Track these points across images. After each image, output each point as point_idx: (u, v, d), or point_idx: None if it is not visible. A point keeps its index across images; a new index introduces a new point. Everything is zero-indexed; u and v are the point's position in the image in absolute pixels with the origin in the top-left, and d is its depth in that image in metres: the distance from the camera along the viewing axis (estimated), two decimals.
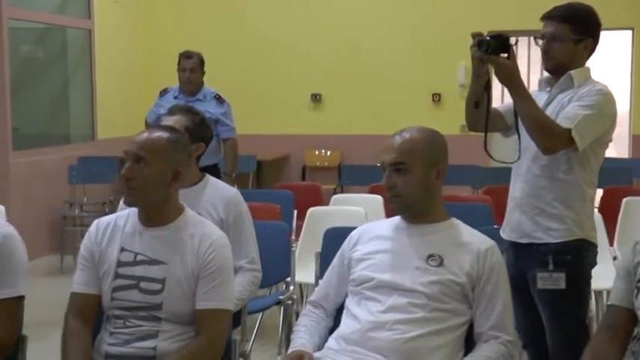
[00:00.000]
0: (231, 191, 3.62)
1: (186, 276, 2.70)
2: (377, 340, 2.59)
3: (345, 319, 2.75)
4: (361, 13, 9.78)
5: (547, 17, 3.24)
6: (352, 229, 4.51)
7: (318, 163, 9.95)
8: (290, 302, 4.41)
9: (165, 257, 2.72)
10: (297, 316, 4.59)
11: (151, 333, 2.69)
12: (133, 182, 2.69)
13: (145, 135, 2.77)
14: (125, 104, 9.66)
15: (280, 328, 5.09)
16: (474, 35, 3.08)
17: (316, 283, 4.41)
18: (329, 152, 9.94)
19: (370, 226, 2.94)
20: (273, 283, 4.55)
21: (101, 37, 9.11)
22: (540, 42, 3.24)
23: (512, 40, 3.06)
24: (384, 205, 5.73)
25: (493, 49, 3.02)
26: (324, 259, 4.31)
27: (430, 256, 2.69)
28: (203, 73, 6.54)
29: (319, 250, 4.44)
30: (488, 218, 5.10)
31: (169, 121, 3.52)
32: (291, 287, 4.52)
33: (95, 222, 2.88)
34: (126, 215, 2.84)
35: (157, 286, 2.70)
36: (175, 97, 6.49)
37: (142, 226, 2.78)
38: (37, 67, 8.98)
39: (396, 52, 9.66)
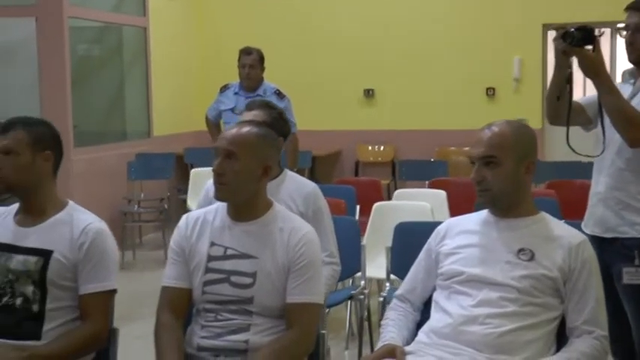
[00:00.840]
0: (310, 185, 3.64)
1: (276, 270, 2.72)
2: (469, 334, 2.59)
3: (435, 313, 2.75)
4: (414, 7, 9.74)
5: (631, 8, 3.20)
6: (422, 224, 4.57)
7: (371, 159, 9.95)
8: (362, 297, 4.42)
9: (256, 251, 2.75)
10: (369, 311, 4.64)
11: (242, 326, 2.72)
12: (224, 177, 2.72)
13: (235, 130, 2.80)
14: (180, 101, 9.75)
15: (347, 323, 5.11)
16: (557, 29, 3.05)
17: (387, 278, 4.42)
18: (382, 147, 9.92)
19: (457, 220, 2.93)
20: (344, 278, 4.57)
21: (156, 34, 9.19)
22: (624, 33, 3.20)
23: (597, 31, 3.03)
24: (448, 200, 5.72)
25: (577, 41, 2.98)
26: (396, 254, 4.33)
27: (521, 250, 2.68)
28: (263, 69, 6.58)
29: (388, 244, 4.45)
30: (556, 213, 5.06)
31: (248, 116, 3.55)
32: (362, 282, 4.53)
33: (184, 216, 2.91)
34: (214, 210, 2.87)
35: (248, 280, 2.72)
36: (235, 94, 6.54)
37: (231, 220, 2.80)
38: (94, 65, 9.10)
39: (449, 45, 9.62)
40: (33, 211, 2.90)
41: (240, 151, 2.73)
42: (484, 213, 2.83)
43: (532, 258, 2.65)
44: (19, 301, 2.81)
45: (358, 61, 9.86)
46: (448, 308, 2.69)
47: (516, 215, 2.74)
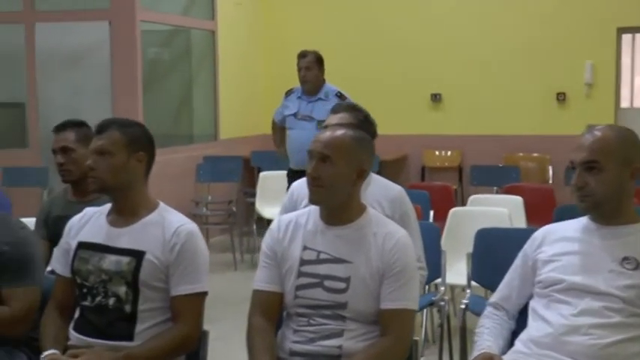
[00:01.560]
0: (397, 188, 3.60)
1: (371, 275, 2.68)
2: (572, 344, 2.52)
3: (533, 322, 2.68)
4: (482, 11, 9.63)
5: None
6: (504, 230, 4.50)
7: (437, 164, 9.85)
8: (442, 303, 4.36)
9: (349, 256, 2.71)
10: (448, 318, 4.57)
11: (336, 332, 2.68)
12: (319, 181, 2.69)
13: (329, 133, 2.76)
14: (246, 105, 9.77)
15: (423, 329, 5.05)
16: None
17: (468, 285, 4.36)
18: (449, 152, 9.82)
19: (554, 226, 2.86)
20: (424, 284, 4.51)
21: (224, 38, 9.23)
22: None
23: None
24: (524, 207, 5.63)
25: None
26: (477, 261, 4.27)
27: (625, 258, 2.60)
28: (322, 71, 6.52)
29: (466, 251, 4.39)
30: None
31: (334, 119, 3.51)
32: (442, 288, 4.47)
33: (276, 220, 2.89)
34: (307, 213, 2.84)
35: (342, 285, 2.68)
36: (298, 98, 6.53)
37: (324, 224, 2.77)
38: (162, 68, 9.17)
39: (519, 49, 9.47)
40: (125, 212, 2.90)
41: (336, 154, 2.69)
42: (584, 220, 2.75)
43: (637, 267, 2.57)
44: (111, 301, 2.82)
45: (425, 65, 9.78)
46: (548, 317, 2.62)
47: (619, 222, 2.66)
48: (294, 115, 6.51)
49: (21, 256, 3.00)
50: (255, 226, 8.00)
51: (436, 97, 9.83)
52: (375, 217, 2.81)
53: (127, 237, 2.85)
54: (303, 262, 2.74)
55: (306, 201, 3.46)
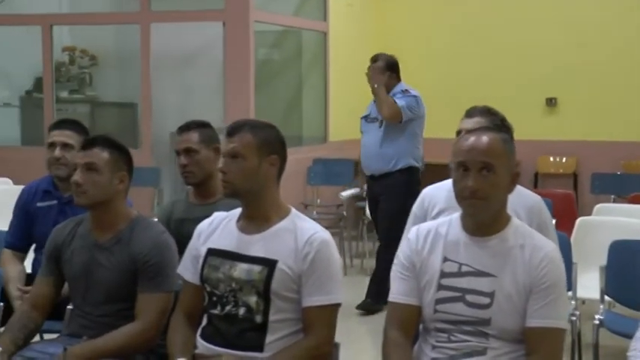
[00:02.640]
0: (534, 197, 3.41)
1: (517, 291, 2.51)
2: None
3: None
4: (602, 12, 9.28)
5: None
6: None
7: (552, 170, 9.53)
8: (574, 318, 4.13)
9: (494, 269, 2.54)
10: (579, 333, 4.35)
11: (478, 349, 2.53)
12: (481, 192, 2.51)
13: (475, 139, 2.57)
14: (356, 107, 9.60)
15: None
16: None
17: (602, 299, 4.14)
18: (564, 159, 9.50)
19: None
20: None
21: (335, 39, 9.13)
22: None
23: None
24: None
25: None
26: (611, 274, 4.05)
27: None
28: (393, 75, 6.29)
29: (598, 263, 4.18)
30: None
31: (468, 123, 3.36)
32: (573, 302, 4.24)
33: (414, 229, 2.74)
34: (447, 223, 2.69)
35: (485, 300, 2.52)
36: (374, 101, 6.33)
37: (466, 235, 2.61)
38: (273, 69, 9.13)
39: (636, 53, 9.09)
40: (256, 218, 2.80)
41: (497, 162, 2.52)
42: None
43: None
44: (242, 311, 2.73)
45: (540, 69, 9.47)
46: None
47: None
48: (366, 117, 6.36)
49: (160, 262, 2.96)
50: (364, 230, 7.86)
51: (551, 102, 9.52)
52: (521, 227, 2.64)
53: (258, 245, 2.76)
54: (443, 275, 2.59)
55: (438, 209, 3.32)
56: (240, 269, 2.73)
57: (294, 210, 2.86)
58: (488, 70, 9.62)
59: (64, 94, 8.89)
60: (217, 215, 2.94)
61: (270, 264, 2.71)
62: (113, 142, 3.08)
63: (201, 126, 3.81)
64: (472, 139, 2.57)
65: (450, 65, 9.74)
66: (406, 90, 6.29)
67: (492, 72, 9.59)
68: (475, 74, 9.57)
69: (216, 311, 2.77)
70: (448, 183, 3.35)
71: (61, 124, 3.96)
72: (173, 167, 6.39)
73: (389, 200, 6.12)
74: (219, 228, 2.88)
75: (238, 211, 2.89)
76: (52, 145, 3.89)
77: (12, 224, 4.06)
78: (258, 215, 2.80)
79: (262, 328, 2.71)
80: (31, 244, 4.03)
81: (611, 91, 9.22)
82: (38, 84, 9.03)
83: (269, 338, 2.70)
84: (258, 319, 2.71)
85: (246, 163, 2.75)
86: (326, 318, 2.72)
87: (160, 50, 8.03)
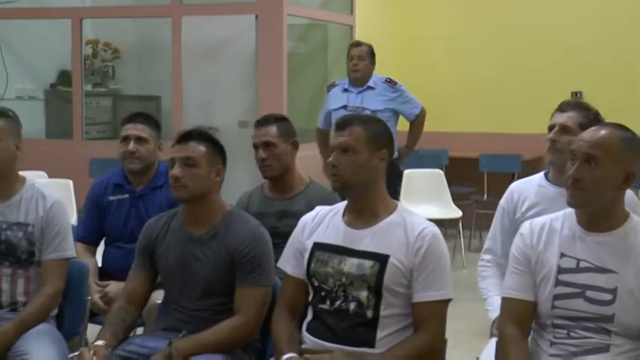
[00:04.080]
0: (628, 193, 3.38)
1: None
2: None
3: None
4: (624, 5, 9.25)
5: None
6: None
7: None
8: None
9: (615, 266, 2.53)
10: None
11: (600, 346, 2.51)
12: (582, 183, 2.51)
13: (592, 132, 2.56)
14: None
15: None
16: None
17: None
18: None
19: None
20: None
21: (360, 33, 9.09)
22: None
23: None
24: None
25: None
26: None
27: None
28: (373, 63, 6.36)
29: None
30: None
31: (561, 118, 3.33)
32: None
33: (527, 224, 2.73)
34: (561, 217, 2.67)
35: (607, 297, 2.51)
36: (345, 90, 6.38)
37: (582, 230, 2.60)
38: (299, 63, 9.08)
39: None
40: (365, 212, 2.79)
41: (603, 155, 2.50)
42: None
43: None
44: (352, 305, 2.71)
45: (565, 62, 9.41)
46: None
47: None
48: (344, 107, 6.28)
49: (258, 255, 2.94)
50: None
51: (577, 96, 9.49)
52: None
53: (368, 239, 2.74)
54: (560, 270, 2.58)
55: (528, 203, 3.29)
56: (351, 264, 2.72)
57: (400, 204, 2.84)
58: (511, 63, 9.57)
59: (88, 87, 8.83)
60: (321, 209, 2.93)
61: (381, 259, 2.69)
62: (208, 136, 3.06)
63: (280, 120, 3.80)
64: (590, 130, 2.57)
65: (474, 58, 9.69)
66: (390, 80, 6.29)
67: (516, 65, 9.54)
68: (498, 67, 9.52)
69: (324, 306, 2.75)
70: (537, 177, 3.35)
71: (134, 118, 3.94)
72: None
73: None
74: (324, 222, 2.86)
75: (342, 204, 2.88)
76: (125, 139, 3.87)
77: (82, 218, 4.04)
78: (366, 209, 2.78)
79: (373, 324, 2.69)
80: (101, 238, 4.01)
81: (636, 85, 9.21)
82: (62, 77, 8.98)
83: (380, 334, 2.69)
84: (369, 314, 2.69)
85: (357, 157, 2.73)
86: (438, 314, 2.71)
87: (187, 43, 7.98)
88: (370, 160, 2.74)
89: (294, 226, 3.47)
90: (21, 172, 3.38)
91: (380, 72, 9.48)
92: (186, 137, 3.02)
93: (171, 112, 8.37)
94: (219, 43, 8.54)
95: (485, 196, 8.66)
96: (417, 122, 6.45)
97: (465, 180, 8.88)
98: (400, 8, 9.94)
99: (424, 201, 7.36)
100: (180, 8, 7.77)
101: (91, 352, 2.76)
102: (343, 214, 2.83)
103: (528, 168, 9.02)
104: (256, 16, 7.65)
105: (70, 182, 6.31)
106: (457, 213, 7.57)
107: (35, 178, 4.79)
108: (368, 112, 5.93)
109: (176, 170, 2.96)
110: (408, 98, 6.34)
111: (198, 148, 2.99)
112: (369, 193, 2.77)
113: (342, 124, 2.77)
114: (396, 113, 6.28)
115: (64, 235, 3.30)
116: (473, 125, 9.74)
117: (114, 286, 3.70)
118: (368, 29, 9.15)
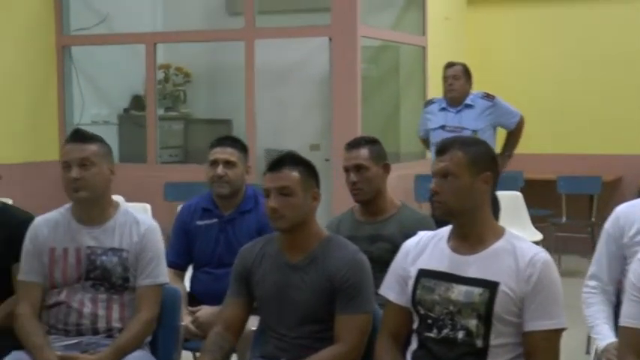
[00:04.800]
0: None
1: None
2: None
3: None
4: None
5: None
6: None
7: None
8: None
9: None
10: None
11: None
12: None
13: None
14: None
15: None
16: None
17: None
18: None
19: None
20: None
21: (432, 53, 9.02)
22: None
23: None
24: None
25: None
26: None
27: None
28: (469, 82, 6.36)
29: None
30: None
31: None
32: None
33: None
34: None
35: None
36: (442, 109, 6.38)
37: None
38: (371, 85, 9.04)
39: None
40: (470, 238, 2.70)
41: None
42: None
43: None
44: (460, 334, 2.63)
45: None
46: None
47: None
48: (442, 127, 6.21)
49: (359, 282, 2.88)
50: None
51: None
52: None
53: (475, 266, 2.65)
54: None
55: (636, 227, 3.17)
56: (459, 291, 2.63)
57: (507, 230, 2.75)
58: (588, 84, 9.40)
59: (160, 112, 8.92)
60: (424, 234, 2.85)
61: (491, 286, 2.60)
62: (300, 159, 3.00)
63: (371, 142, 3.74)
64: None
65: (549, 79, 9.56)
66: (487, 94, 6.25)
67: (593, 86, 9.37)
68: (572, 89, 9.38)
69: (431, 334, 2.67)
70: None
71: (222, 141, 3.92)
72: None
73: None
74: (428, 247, 2.78)
75: (446, 229, 2.80)
76: (214, 163, 3.84)
77: (171, 243, 4.02)
78: (472, 235, 2.70)
79: (483, 353, 2.60)
80: (190, 262, 3.99)
81: None
82: (135, 102, 9.09)
83: None
84: (479, 343, 2.60)
85: (459, 182, 2.65)
86: (551, 343, 2.61)
87: (257, 65, 8.00)
88: (473, 184, 2.66)
89: (387, 250, 3.43)
90: None
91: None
92: (278, 164, 2.96)
93: (242, 135, 8.38)
94: (290, 65, 8.57)
95: (564, 219, 8.48)
96: (516, 130, 6.49)
97: (542, 202, 8.73)
98: (472, 30, 9.85)
99: (503, 223, 7.18)
100: (253, 32, 7.80)
101: None
102: (448, 240, 2.75)
103: (608, 189, 8.84)
104: (330, 39, 7.63)
105: (149, 206, 6.31)
106: (537, 236, 7.42)
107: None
108: (468, 132, 5.91)
109: (272, 202, 2.91)
110: (506, 109, 6.33)
111: (292, 175, 2.93)
112: (474, 218, 2.69)
113: (442, 149, 2.69)
114: (495, 128, 6.22)
115: (158, 260, 3.28)
116: (549, 147, 9.58)
117: (204, 311, 3.69)
118: (440, 50, 9.09)
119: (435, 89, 8.91)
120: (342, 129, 7.50)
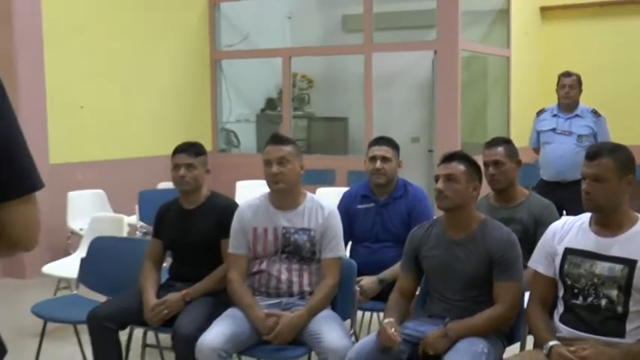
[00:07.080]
0: None
1: None
2: None
3: None
4: None
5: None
6: None
7: None
8: None
9: None
10: None
11: None
12: None
13: None
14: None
15: None
16: None
17: None
18: None
19: None
20: None
21: (515, 63, 8.93)
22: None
23: None
24: None
25: None
26: None
27: None
28: (580, 91, 6.02)
29: None
30: None
31: None
32: None
33: None
34: None
35: None
36: (554, 115, 6.05)
37: None
38: (463, 89, 9.01)
39: None
40: (611, 225, 2.74)
41: None
42: None
43: None
44: (603, 302, 2.68)
45: None
46: None
47: None
48: (553, 130, 6.05)
49: (512, 256, 2.96)
50: None
51: None
52: None
53: (616, 246, 2.70)
54: None
55: None
56: (602, 267, 2.68)
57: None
58: None
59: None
60: (567, 218, 2.90)
61: (630, 263, 2.64)
62: (467, 157, 3.07)
63: (506, 142, 3.80)
64: None
65: (612, 91, 9.23)
66: (595, 111, 6.01)
67: None
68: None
69: (578, 302, 2.73)
70: None
71: (379, 141, 4.01)
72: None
73: (578, 202, 5.89)
74: (572, 229, 2.83)
75: (586, 215, 2.83)
76: (373, 159, 3.94)
77: None
78: (612, 223, 2.74)
79: (623, 318, 2.65)
80: (349, 239, 4.09)
81: None
82: (269, 103, 9.30)
83: (629, 326, 2.65)
84: (620, 309, 2.65)
85: (608, 186, 2.68)
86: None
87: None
88: (619, 186, 2.69)
89: (519, 230, 3.49)
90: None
91: (530, 96, 9.32)
92: (449, 158, 3.05)
93: (356, 130, 8.51)
94: (396, 72, 8.61)
95: None
96: None
97: None
98: (546, 43, 9.67)
99: None
100: (371, 46, 7.87)
101: (392, 328, 2.85)
102: (589, 224, 2.80)
103: None
104: (435, 52, 7.65)
105: None
106: None
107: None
108: (575, 136, 5.83)
109: (440, 185, 2.99)
110: (605, 130, 6.00)
111: (459, 167, 3.01)
112: (615, 211, 2.72)
113: (592, 155, 2.72)
114: (596, 137, 6.03)
115: (338, 238, 3.40)
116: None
117: (366, 280, 3.78)
118: (519, 60, 9.01)
119: (517, 94, 8.85)
120: (445, 126, 7.55)
